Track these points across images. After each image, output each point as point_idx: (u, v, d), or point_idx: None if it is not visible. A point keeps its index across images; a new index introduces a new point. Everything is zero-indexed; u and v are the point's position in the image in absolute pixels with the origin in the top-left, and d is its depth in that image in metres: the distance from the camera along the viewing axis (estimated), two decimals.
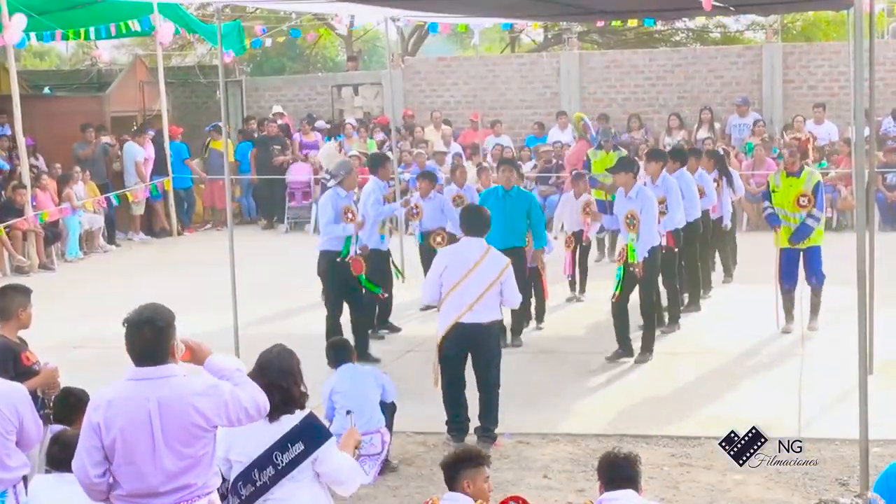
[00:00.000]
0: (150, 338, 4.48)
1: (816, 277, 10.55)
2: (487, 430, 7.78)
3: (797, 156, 10.73)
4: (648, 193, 9.86)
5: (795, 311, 10.68)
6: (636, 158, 12.65)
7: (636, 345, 9.93)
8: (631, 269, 9.63)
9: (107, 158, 18.60)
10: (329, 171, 11.33)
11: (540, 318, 11.28)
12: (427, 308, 10.95)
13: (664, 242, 10.44)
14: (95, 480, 4.48)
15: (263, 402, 4.67)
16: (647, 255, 9.65)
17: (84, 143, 18.25)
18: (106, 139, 18.57)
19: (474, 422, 7.87)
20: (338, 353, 7.72)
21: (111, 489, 4.52)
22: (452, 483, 5.29)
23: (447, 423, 7.82)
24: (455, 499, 5.22)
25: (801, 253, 10.48)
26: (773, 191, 10.56)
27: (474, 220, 7.96)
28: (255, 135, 20.37)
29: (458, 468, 5.28)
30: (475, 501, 5.20)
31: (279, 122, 20.59)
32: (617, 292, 9.74)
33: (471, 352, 7.77)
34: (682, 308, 11.49)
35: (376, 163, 11.54)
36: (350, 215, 10.16)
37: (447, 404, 7.82)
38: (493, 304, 7.73)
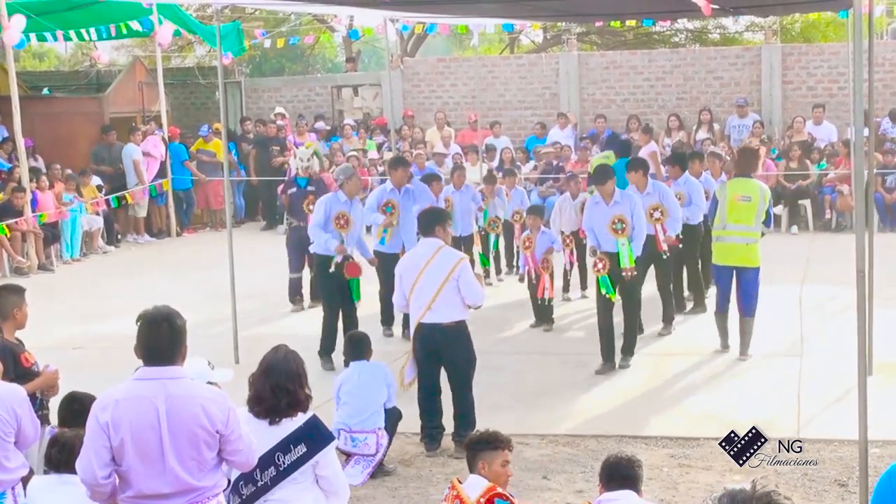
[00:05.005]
0: (167, 335, 4.50)
1: (745, 303, 9.67)
2: (460, 435, 7.54)
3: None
4: (633, 196, 9.82)
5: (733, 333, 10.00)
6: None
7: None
8: (624, 273, 9.43)
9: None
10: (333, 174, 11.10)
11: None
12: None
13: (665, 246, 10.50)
14: (102, 482, 4.44)
15: (256, 455, 4.71)
16: (640, 253, 9.59)
17: (105, 145, 18.42)
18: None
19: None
20: (354, 348, 7.72)
21: (118, 491, 4.50)
22: (471, 465, 5.46)
23: (421, 429, 7.79)
24: (471, 481, 5.36)
25: (734, 272, 9.67)
26: None
27: (426, 221, 7.97)
28: (251, 136, 20.33)
29: (476, 450, 5.44)
30: (490, 483, 5.29)
31: (278, 122, 20.52)
32: (610, 296, 9.51)
33: (440, 354, 7.72)
34: (686, 311, 11.53)
35: (390, 167, 11.21)
36: (342, 221, 9.91)
37: (422, 412, 7.79)
38: (454, 303, 7.62)
